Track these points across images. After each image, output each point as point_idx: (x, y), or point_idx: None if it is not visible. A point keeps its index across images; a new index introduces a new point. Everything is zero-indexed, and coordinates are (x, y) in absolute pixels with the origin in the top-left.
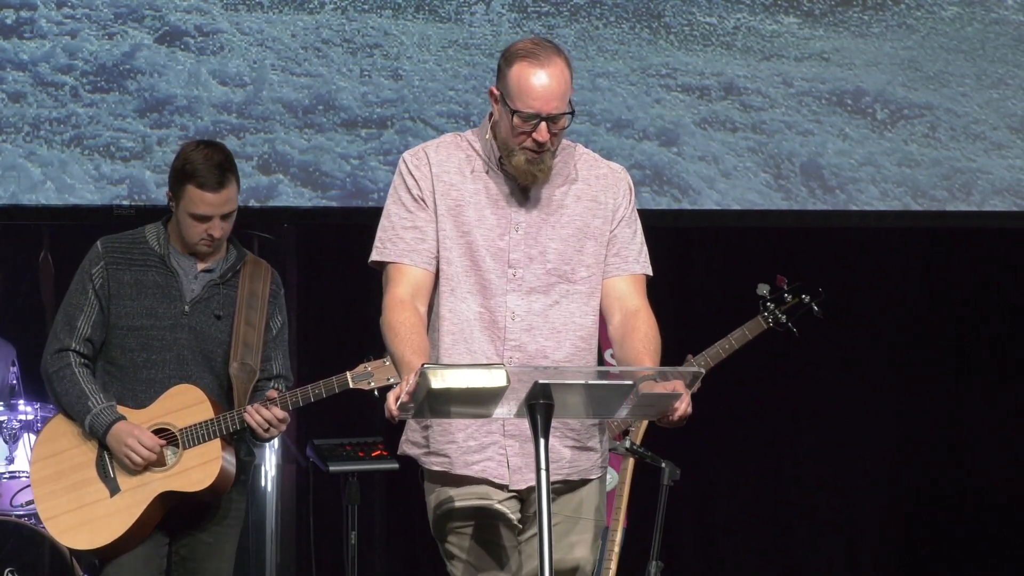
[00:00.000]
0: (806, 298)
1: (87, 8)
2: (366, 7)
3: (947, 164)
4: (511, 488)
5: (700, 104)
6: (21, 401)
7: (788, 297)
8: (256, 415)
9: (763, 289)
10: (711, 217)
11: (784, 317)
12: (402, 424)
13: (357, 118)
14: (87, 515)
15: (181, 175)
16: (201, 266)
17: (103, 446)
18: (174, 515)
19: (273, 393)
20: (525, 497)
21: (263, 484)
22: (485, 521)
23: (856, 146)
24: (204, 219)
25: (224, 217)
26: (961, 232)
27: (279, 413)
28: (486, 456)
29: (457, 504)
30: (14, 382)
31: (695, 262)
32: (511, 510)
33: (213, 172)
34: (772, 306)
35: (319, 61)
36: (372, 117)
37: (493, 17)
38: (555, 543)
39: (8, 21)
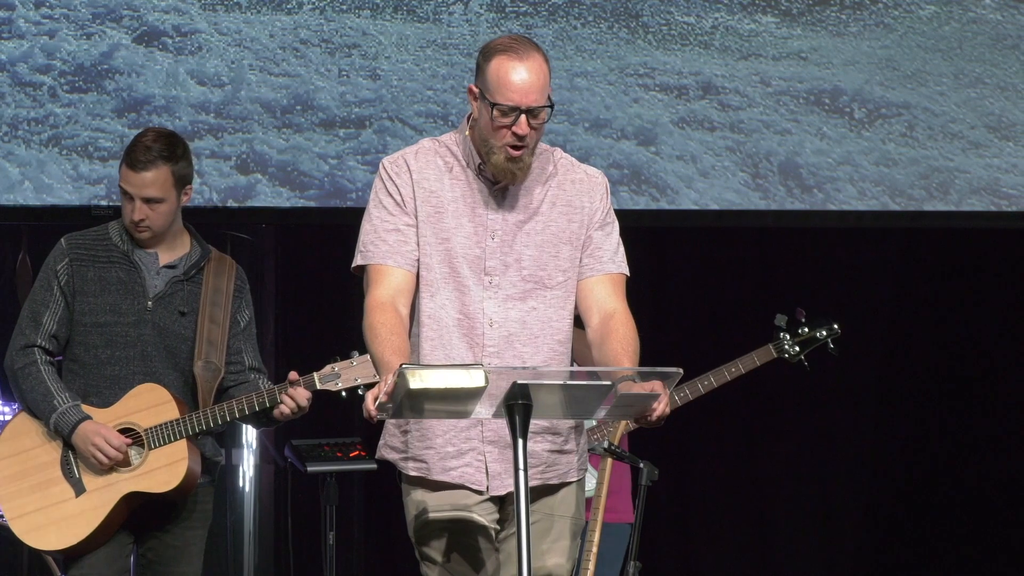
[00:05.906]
0: (822, 334)
1: (65, 8)
2: (344, 7)
3: (925, 163)
4: (490, 494)
5: (678, 103)
6: None
7: (804, 331)
8: (291, 402)
9: (781, 320)
10: (689, 217)
11: (796, 349)
12: (381, 424)
13: (335, 118)
14: (53, 515)
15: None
16: (164, 262)
17: (67, 445)
18: (139, 515)
19: (295, 374)
20: (503, 497)
21: (241, 485)
22: (462, 527)
23: (834, 145)
24: (128, 198)
25: (146, 201)
26: (939, 232)
27: (305, 393)
28: (464, 462)
29: (434, 513)
30: None
31: (673, 262)
32: (488, 513)
33: (142, 153)
34: (788, 337)
35: (297, 61)
36: (350, 117)
37: (471, 17)
38: (533, 544)
39: None
